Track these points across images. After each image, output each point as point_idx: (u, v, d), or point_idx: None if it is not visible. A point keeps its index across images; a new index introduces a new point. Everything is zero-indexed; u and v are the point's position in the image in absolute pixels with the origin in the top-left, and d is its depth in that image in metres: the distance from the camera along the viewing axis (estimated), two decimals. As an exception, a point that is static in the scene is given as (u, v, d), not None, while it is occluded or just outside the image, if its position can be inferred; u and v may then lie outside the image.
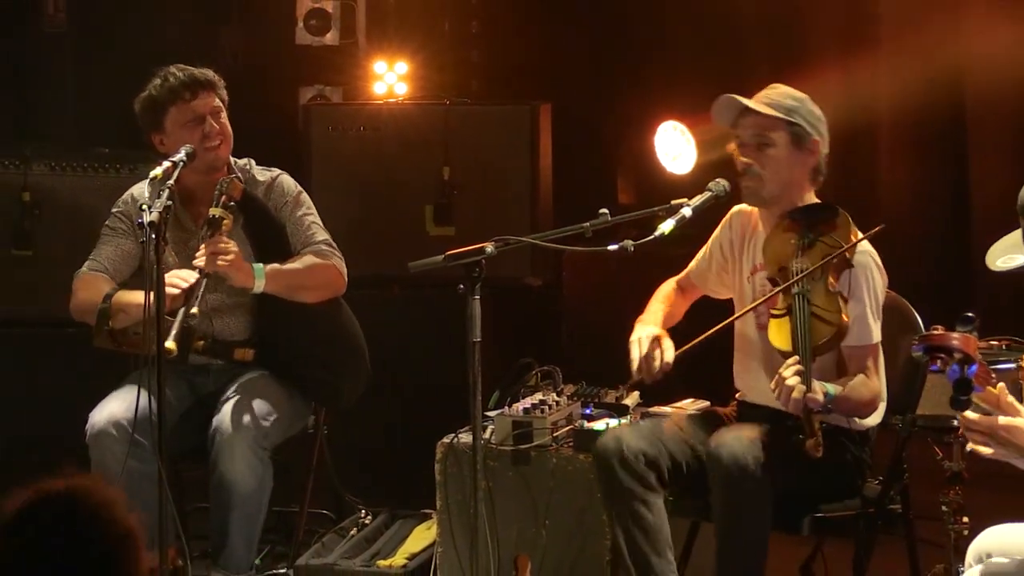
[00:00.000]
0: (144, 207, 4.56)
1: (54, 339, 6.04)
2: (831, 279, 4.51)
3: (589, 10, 8.01)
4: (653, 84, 7.61)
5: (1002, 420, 3.46)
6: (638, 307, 4.94)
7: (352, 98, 7.48)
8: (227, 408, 5.07)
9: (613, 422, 4.98)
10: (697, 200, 4.65)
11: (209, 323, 5.23)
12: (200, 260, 4.92)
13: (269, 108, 7.23)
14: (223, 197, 4.99)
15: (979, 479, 4.46)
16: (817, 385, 4.33)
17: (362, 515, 5.81)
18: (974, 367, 3.41)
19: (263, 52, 7.60)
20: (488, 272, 4.38)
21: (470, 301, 4.34)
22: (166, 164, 4.82)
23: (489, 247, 4.38)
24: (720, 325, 4.58)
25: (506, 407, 5.13)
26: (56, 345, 6.04)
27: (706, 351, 4.65)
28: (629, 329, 4.89)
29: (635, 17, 7.85)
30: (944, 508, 4.42)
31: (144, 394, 4.60)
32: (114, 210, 5.34)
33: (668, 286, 5.03)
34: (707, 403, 5.03)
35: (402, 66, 7.57)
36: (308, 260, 5.20)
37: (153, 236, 4.49)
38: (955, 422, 4.28)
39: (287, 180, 5.37)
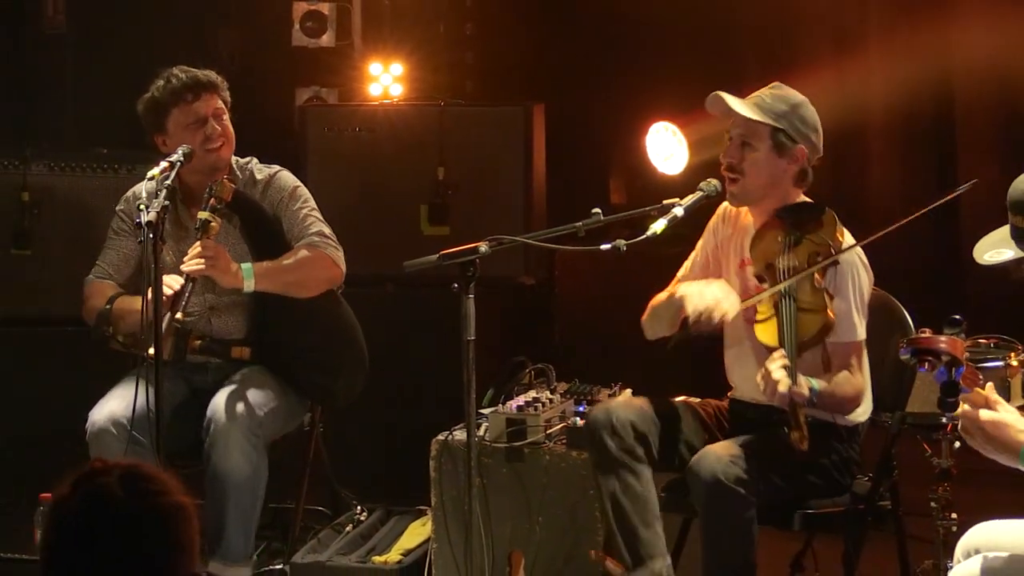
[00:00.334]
0: (142, 207, 4.59)
1: (53, 338, 6.04)
2: (817, 276, 4.54)
3: (582, 13, 8.03)
4: (645, 86, 7.62)
5: (984, 416, 3.46)
6: (630, 306, 4.93)
7: (348, 99, 7.50)
8: (221, 398, 5.07)
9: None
10: (689, 200, 4.65)
11: (207, 322, 5.26)
12: (185, 265, 4.95)
13: (266, 109, 7.24)
14: (212, 200, 4.99)
15: (967, 476, 4.43)
16: (802, 379, 4.36)
17: (358, 512, 5.82)
18: (961, 369, 3.44)
19: (260, 54, 7.61)
20: (482, 271, 4.39)
21: (464, 300, 4.36)
22: (163, 164, 4.85)
23: (483, 246, 4.40)
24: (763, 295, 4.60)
25: (500, 405, 5.17)
26: (55, 344, 6.04)
27: (694, 348, 4.69)
28: (622, 327, 4.92)
29: (627, 20, 7.86)
30: (933, 504, 4.40)
31: (142, 393, 4.66)
32: (117, 208, 5.37)
33: (662, 296, 4.93)
34: (698, 400, 4.98)
35: (397, 67, 7.59)
36: (299, 254, 5.19)
37: (151, 235, 4.52)
38: (944, 419, 4.31)
39: (284, 176, 5.37)
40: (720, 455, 4.44)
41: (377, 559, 5.40)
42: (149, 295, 4.65)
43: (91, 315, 5.20)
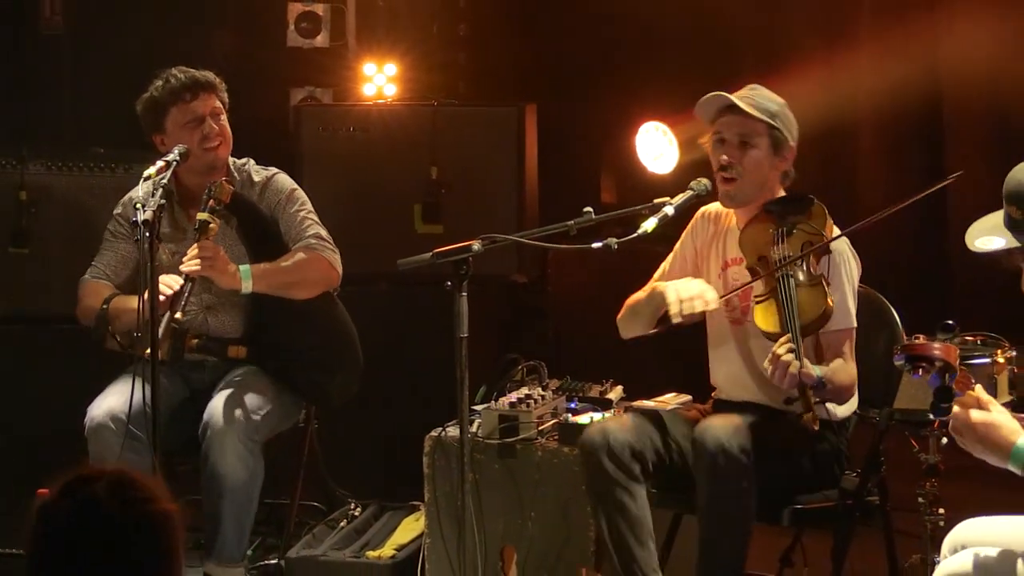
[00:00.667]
0: (138, 206, 4.61)
1: (51, 337, 6.03)
2: (812, 262, 4.60)
3: (574, 15, 8.04)
4: (635, 86, 7.63)
5: (976, 416, 3.45)
6: (621, 303, 4.97)
7: (342, 99, 7.49)
8: (218, 402, 5.09)
9: (597, 416, 5.04)
10: (679, 199, 4.69)
11: (204, 321, 5.28)
12: (184, 265, 4.97)
13: (261, 109, 7.23)
14: (211, 201, 5.00)
15: (955, 472, 4.42)
16: (808, 363, 4.41)
17: (352, 507, 5.86)
18: (955, 375, 3.43)
19: (255, 54, 7.59)
20: (475, 269, 4.43)
21: (457, 298, 4.39)
22: (159, 163, 4.87)
23: (476, 245, 4.44)
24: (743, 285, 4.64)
25: (493, 401, 5.20)
26: (54, 343, 6.02)
27: (683, 346, 4.72)
28: (613, 325, 4.95)
29: (617, 21, 7.86)
30: (921, 500, 4.41)
31: (139, 390, 4.68)
32: (115, 212, 5.39)
33: (639, 294, 4.96)
34: (689, 397, 5.06)
35: (391, 68, 7.59)
36: (296, 256, 5.21)
37: (147, 234, 4.54)
38: (931, 416, 4.33)
39: (281, 178, 5.39)
40: (724, 425, 4.52)
41: (371, 554, 5.44)
42: (146, 295, 4.67)
43: (86, 314, 5.23)
